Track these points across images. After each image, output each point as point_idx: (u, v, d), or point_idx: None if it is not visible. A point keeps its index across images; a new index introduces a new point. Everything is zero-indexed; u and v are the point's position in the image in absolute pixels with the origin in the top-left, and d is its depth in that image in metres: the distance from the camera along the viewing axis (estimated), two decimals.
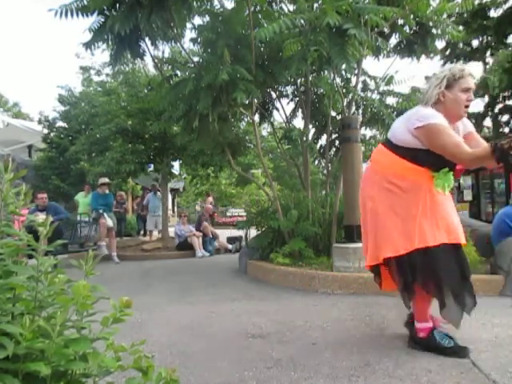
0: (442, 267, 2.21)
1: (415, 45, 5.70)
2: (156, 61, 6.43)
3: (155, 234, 11.45)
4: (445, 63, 16.28)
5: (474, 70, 2.29)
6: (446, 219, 2.27)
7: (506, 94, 14.12)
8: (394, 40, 5.84)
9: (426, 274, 2.24)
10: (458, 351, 2.22)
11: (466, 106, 2.27)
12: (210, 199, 10.40)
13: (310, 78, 6.03)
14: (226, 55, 4.67)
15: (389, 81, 5.92)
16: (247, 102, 5.42)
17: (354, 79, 5.99)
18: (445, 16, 5.49)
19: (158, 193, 10.77)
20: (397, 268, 2.32)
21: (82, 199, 9.54)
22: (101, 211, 7.79)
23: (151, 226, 11.03)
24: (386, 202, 2.33)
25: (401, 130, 2.32)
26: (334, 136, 6.44)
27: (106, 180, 8.19)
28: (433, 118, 2.19)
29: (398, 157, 2.31)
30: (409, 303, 2.39)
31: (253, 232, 6.34)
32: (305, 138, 6.09)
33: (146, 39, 5.44)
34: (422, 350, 2.28)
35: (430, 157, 2.24)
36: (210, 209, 10.38)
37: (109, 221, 7.75)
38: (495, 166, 2.18)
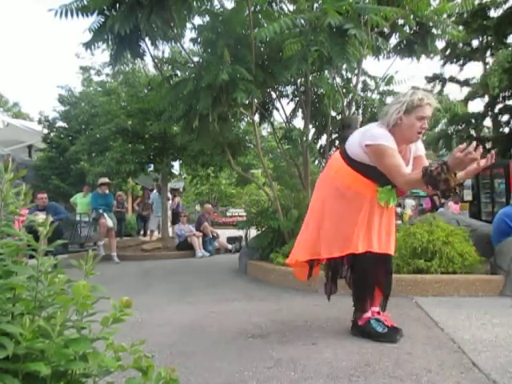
0: (367, 271, 2.58)
1: (415, 45, 5.71)
2: (156, 61, 6.43)
3: (155, 233, 11.45)
4: (445, 63, 16.30)
5: (433, 100, 2.43)
6: (378, 231, 2.55)
7: (506, 93, 14.11)
8: (394, 40, 5.84)
9: (356, 274, 2.67)
10: (391, 334, 2.49)
11: (419, 133, 2.42)
12: (209, 206, 10.50)
13: (310, 78, 6.03)
14: (225, 55, 4.67)
15: (389, 81, 5.93)
16: (247, 101, 5.42)
17: (354, 79, 5.99)
18: (445, 16, 5.49)
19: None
20: (329, 264, 2.77)
21: (81, 199, 9.53)
22: (101, 211, 7.78)
23: (153, 226, 11.01)
24: (333, 206, 2.57)
25: (355, 144, 2.50)
26: (334, 136, 6.44)
27: (106, 180, 8.18)
28: (381, 139, 2.36)
29: (348, 167, 2.51)
30: (329, 295, 2.86)
31: (253, 232, 6.34)
32: (305, 138, 6.09)
33: (146, 39, 5.44)
34: (361, 335, 2.56)
35: (376, 173, 2.42)
36: (209, 208, 10.37)
37: (109, 221, 7.75)
38: (429, 191, 2.30)
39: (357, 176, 2.48)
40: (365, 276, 2.61)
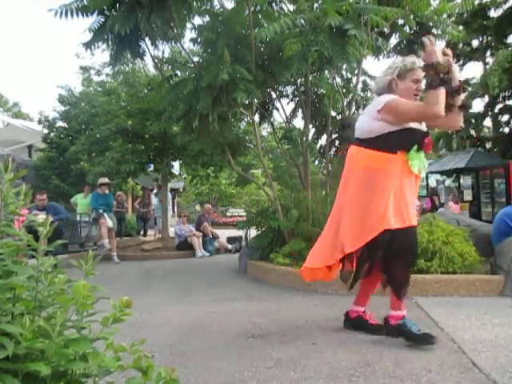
0: (408, 246, 2.43)
1: (415, 45, 5.70)
2: (156, 61, 6.42)
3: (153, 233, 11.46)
4: None
5: (420, 62, 2.46)
6: (409, 205, 2.45)
7: (506, 93, 14.12)
8: (394, 40, 5.85)
9: (393, 255, 2.42)
10: (426, 338, 2.34)
11: (415, 95, 2.48)
12: (209, 206, 10.52)
13: (310, 78, 6.03)
14: (226, 55, 4.67)
15: None
16: (247, 102, 5.42)
17: (354, 79, 5.99)
18: (445, 16, 5.49)
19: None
20: (362, 253, 2.50)
21: (81, 200, 9.52)
22: (101, 211, 7.78)
23: (160, 225, 11.01)
24: (358, 195, 2.48)
25: (365, 121, 2.53)
26: (334, 136, 6.44)
27: (106, 180, 8.18)
28: (387, 97, 2.43)
29: (368, 149, 2.47)
30: (351, 284, 2.66)
31: (253, 232, 6.34)
32: (305, 138, 6.09)
33: (146, 39, 5.44)
34: (396, 336, 2.42)
35: (399, 136, 2.39)
36: (209, 208, 10.37)
37: (109, 221, 7.75)
38: (453, 99, 2.40)
39: (380, 155, 2.42)
40: (407, 256, 2.45)
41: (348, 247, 2.47)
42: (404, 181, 2.42)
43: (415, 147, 2.41)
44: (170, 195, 11.44)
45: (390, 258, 2.43)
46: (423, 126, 2.52)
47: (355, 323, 2.73)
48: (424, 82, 2.45)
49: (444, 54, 2.38)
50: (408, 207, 2.44)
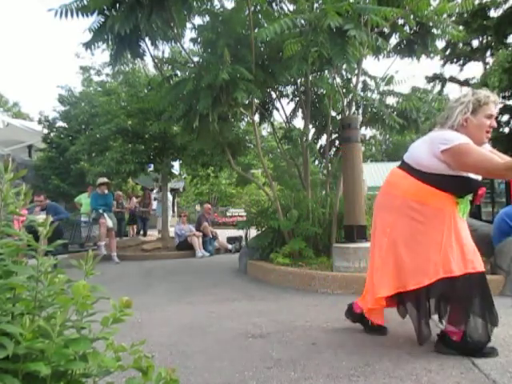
0: (468, 295, 2.20)
1: (415, 45, 5.71)
2: (156, 61, 6.42)
3: (155, 233, 11.45)
4: (445, 63, 16.31)
5: (496, 97, 2.33)
6: (470, 246, 2.26)
7: (506, 93, 14.11)
8: (394, 40, 5.85)
9: (451, 302, 2.26)
10: (491, 352, 2.21)
11: (487, 132, 2.29)
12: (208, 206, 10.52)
13: (310, 78, 6.03)
14: (226, 55, 4.67)
15: (389, 81, 5.93)
16: (247, 101, 5.42)
17: (354, 79, 5.99)
18: (445, 16, 5.49)
19: (168, 193, 10.85)
20: (416, 300, 2.28)
21: (85, 200, 9.51)
22: (101, 211, 7.79)
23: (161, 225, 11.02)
24: (406, 230, 2.29)
25: (425, 154, 2.27)
26: (334, 136, 6.44)
27: (105, 180, 8.18)
28: (458, 139, 2.18)
29: (420, 182, 2.27)
30: (423, 339, 2.30)
31: (253, 232, 6.34)
32: (305, 138, 6.09)
33: (146, 39, 5.44)
34: (457, 353, 2.21)
35: (455, 182, 2.23)
36: (208, 208, 10.37)
37: (109, 221, 7.75)
38: None
39: (432, 190, 2.25)
40: (464, 303, 2.22)
41: (412, 283, 2.26)
42: (458, 222, 2.27)
43: (469, 196, 2.29)
44: (170, 195, 11.44)
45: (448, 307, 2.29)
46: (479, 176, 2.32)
47: (357, 317, 2.70)
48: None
49: None
50: (465, 252, 2.23)
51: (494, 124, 2.30)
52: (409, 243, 2.28)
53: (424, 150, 2.28)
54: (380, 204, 2.49)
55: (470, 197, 2.29)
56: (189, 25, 5.57)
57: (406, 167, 2.36)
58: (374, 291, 2.40)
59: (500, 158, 2.31)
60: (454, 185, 2.24)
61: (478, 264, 2.23)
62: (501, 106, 14.92)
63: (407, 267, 2.27)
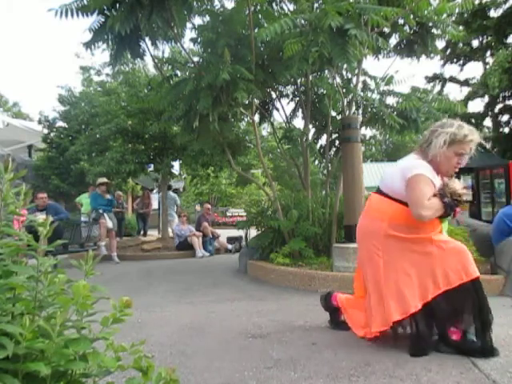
0: (468, 303, 2.25)
1: (415, 45, 5.70)
2: (156, 61, 6.42)
3: (155, 233, 11.44)
4: (445, 63, 16.32)
5: (477, 136, 2.34)
6: (465, 253, 2.29)
7: (506, 93, 14.12)
8: (394, 40, 5.84)
9: (453, 314, 2.28)
10: (492, 351, 2.22)
11: (455, 167, 2.35)
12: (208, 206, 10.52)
13: (311, 78, 6.02)
14: (226, 55, 4.67)
15: (389, 81, 5.92)
16: (247, 101, 5.42)
17: (354, 79, 5.99)
18: (445, 16, 5.49)
19: (170, 192, 10.84)
20: (421, 317, 2.28)
21: (86, 200, 9.51)
22: (101, 211, 7.79)
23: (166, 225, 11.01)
24: (398, 251, 2.32)
25: (397, 182, 2.34)
26: (334, 136, 6.44)
27: (105, 180, 8.18)
28: (418, 169, 2.27)
29: (401, 205, 2.31)
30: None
31: (253, 232, 6.34)
32: (305, 138, 6.09)
33: (146, 39, 5.44)
34: (456, 353, 2.23)
35: (450, 212, 2.28)
36: (208, 208, 10.36)
37: (108, 222, 7.75)
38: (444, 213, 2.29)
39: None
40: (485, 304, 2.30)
41: (421, 301, 2.29)
42: (440, 238, 2.33)
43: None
44: (172, 195, 11.42)
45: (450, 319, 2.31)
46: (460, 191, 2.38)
47: (330, 308, 2.82)
48: (467, 157, 2.36)
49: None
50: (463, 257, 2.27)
51: (463, 162, 2.34)
52: (404, 263, 2.31)
53: (396, 178, 2.35)
54: (365, 229, 2.51)
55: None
56: (189, 25, 5.57)
57: (384, 194, 2.42)
58: (386, 315, 2.34)
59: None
60: (447, 215, 2.30)
61: (472, 270, 2.26)
62: (501, 105, 14.96)
63: (409, 288, 2.28)
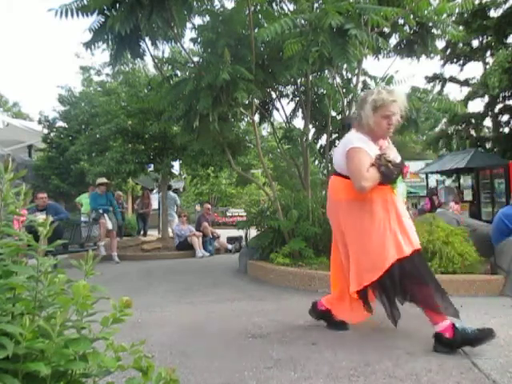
0: (422, 271, 2.38)
1: (415, 45, 5.70)
2: (156, 61, 6.42)
3: (155, 233, 11.44)
4: (445, 63, 16.30)
5: (398, 96, 2.45)
6: (409, 225, 2.45)
7: (506, 93, 14.11)
8: (394, 40, 5.84)
9: (412, 281, 2.37)
10: (485, 330, 2.27)
11: (388, 129, 2.47)
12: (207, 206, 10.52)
13: (311, 78, 6.02)
14: (226, 55, 4.67)
15: (389, 81, 5.92)
16: (247, 101, 5.42)
17: (354, 79, 5.99)
18: (445, 16, 5.49)
19: (170, 192, 10.84)
20: (381, 288, 2.44)
21: (86, 200, 9.51)
22: (100, 211, 7.79)
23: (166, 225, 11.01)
24: (357, 227, 2.46)
25: (340, 159, 2.52)
26: (334, 136, 6.44)
27: (104, 180, 8.18)
28: (351, 143, 2.46)
29: (350, 181, 2.45)
30: (395, 321, 2.48)
31: (253, 232, 6.34)
32: (305, 138, 6.09)
33: (146, 39, 5.43)
34: (453, 350, 2.25)
35: (391, 177, 2.41)
36: (207, 208, 10.35)
37: (108, 223, 7.75)
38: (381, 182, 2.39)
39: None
40: (427, 275, 2.40)
41: (360, 283, 2.45)
42: (398, 208, 2.44)
43: (399, 178, 2.47)
44: (172, 195, 11.42)
45: (409, 286, 2.39)
46: (399, 157, 2.52)
47: (320, 314, 2.85)
48: (397, 115, 2.45)
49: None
50: (408, 232, 2.40)
51: (393, 121, 2.45)
52: (362, 238, 2.45)
53: (339, 156, 2.54)
54: (329, 210, 2.72)
55: (400, 179, 2.48)
56: (189, 25, 5.56)
57: (338, 173, 2.59)
58: (358, 279, 2.50)
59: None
60: (388, 181, 2.41)
61: (416, 242, 2.42)
62: (501, 105, 14.95)
63: (366, 260, 2.43)
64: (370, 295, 2.56)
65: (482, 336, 2.25)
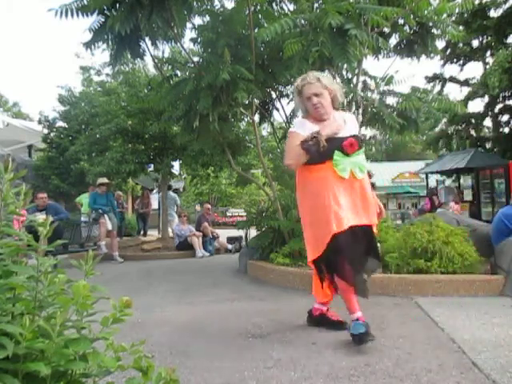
0: (344, 248, 2.46)
1: (415, 45, 5.70)
2: (156, 61, 6.42)
3: (155, 233, 11.44)
4: (445, 63, 16.30)
5: (310, 77, 2.57)
6: (345, 204, 2.49)
7: (506, 93, 14.11)
8: (394, 40, 5.84)
9: (337, 257, 2.50)
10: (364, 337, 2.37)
11: (316, 109, 2.58)
12: (207, 206, 10.52)
13: None
14: (226, 55, 4.67)
15: (389, 81, 5.92)
16: (247, 101, 5.42)
17: (354, 79, 5.99)
18: (445, 16, 5.49)
19: (170, 192, 10.84)
20: (333, 261, 2.56)
21: (86, 200, 9.51)
22: (100, 211, 7.79)
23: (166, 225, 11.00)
24: (305, 208, 2.66)
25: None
26: None
27: (105, 180, 8.18)
28: (293, 126, 2.73)
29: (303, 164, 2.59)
30: (361, 289, 2.56)
31: (253, 232, 6.34)
32: None
33: (146, 39, 5.44)
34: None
35: (317, 151, 2.48)
36: (207, 208, 10.35)
37: (108, 223, 7.75)
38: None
39: (310, 167, 2.55)
40: (339, 256, 2.51)
41: (310, 257, 2.64)
42: (337, 186, 2.49)
43: (337, 153, 2.48)
44: (172, 195, 11.43)
45: (335, 261, 2.54)
46: (340, 133, 2.56)
47: (317, 320, 2.87)
48: (321, 97, 2.55)
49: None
50: (339, 212, 2.45)
51: (315, 101, 2.55)
52: (303, 217, 2.69)
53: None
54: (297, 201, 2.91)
55: (340, 155, 2.49)
56: (189, 25, 5.56)
57: None
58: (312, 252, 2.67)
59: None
60: (317, 152, 2.47)
61: (345, 223, 2.46)
62: (501, 105, 14.95)
63: (308, 236, 2.63)
64: (330, 288, 2.73)
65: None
